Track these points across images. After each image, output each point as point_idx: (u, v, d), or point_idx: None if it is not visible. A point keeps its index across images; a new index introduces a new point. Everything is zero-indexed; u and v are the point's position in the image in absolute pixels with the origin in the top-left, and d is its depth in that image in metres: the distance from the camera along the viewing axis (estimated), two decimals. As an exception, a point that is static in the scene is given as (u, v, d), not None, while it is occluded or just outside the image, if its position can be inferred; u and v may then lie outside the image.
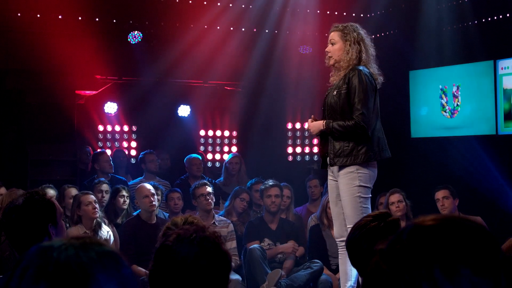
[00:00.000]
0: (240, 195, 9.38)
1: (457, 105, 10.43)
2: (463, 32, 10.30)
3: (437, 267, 1.32)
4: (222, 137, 12.77)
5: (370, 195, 6.19)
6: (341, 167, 6.13)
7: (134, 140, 12.22)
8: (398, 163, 10.45)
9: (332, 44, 6.29)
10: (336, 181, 6.26)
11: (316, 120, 6.34)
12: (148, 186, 8.62)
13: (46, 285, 1.43)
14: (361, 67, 6.13)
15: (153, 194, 8.41)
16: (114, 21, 10.93)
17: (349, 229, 4.68)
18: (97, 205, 7.91)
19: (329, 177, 6.36)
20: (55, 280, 1.43)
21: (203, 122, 12.64)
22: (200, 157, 10.94)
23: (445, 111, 10.59)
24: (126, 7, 10.82)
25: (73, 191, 8.64)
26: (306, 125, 6.60)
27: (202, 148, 12.62)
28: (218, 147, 12.79)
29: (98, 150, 11.12)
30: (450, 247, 1.35)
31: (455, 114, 10.44)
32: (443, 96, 10.62)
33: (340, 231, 6.15)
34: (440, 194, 8.49)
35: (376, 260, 1.41)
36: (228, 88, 12.40)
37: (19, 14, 10.19)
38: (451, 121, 10.48)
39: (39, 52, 9.99)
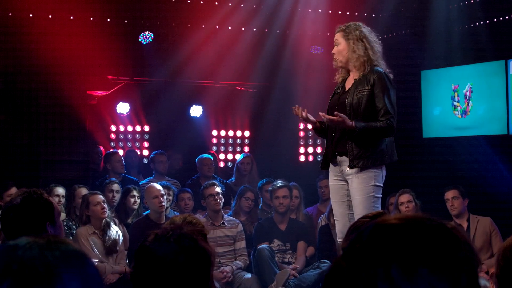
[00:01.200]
0: (244, 194, 9.40)
1: (469, 105, 10.38)
2: (474, 32, 10.25)
3: (394, 266, 1.32)
4: (234, 137, 12.79)
5: (381, 195, 6.18)
6: (358, 169, 6.09)
7: (146, 140, 12.25)
8: (409, 163, 10.45)
9: (336, 45, 6.27)
10: (343, 181, 6.24)
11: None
12: (158, 186, 8.62)
13: (10, 284, 1.44)
14: (381, 69, 6.11)
15: (162, 195, 8.42)
16: (126, 21, 10.97)
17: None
18: (105, 205, 7.95)
19: (334, 178, 6.32)
20: (20, 279, 1.44)
21: (215, 122, 12.66)
22: (211, 157, 10.96)
23: (456, 111, 10.54)
24: (137, 8, 10.85)
25: (84, 191, 8.68)
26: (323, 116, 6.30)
27: (214, 148, 12.63)
28: (230, 147, 12.80)
29: (110, 150, 11.16)
30: (408, 246, 1.34)
31: (467, 114, 10.39)
32: (455, 96, 10.58)
33: (343, 231, 6.11)
34: (449, 195, 8.45)
35: (337, 258, 1.41)
36: (240, 89, 12.42)
37: (30, 15, 10.25)
38: (463, 121, 10.43)
39: (50, 52, 10.02)
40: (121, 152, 11.21)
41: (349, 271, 1.36)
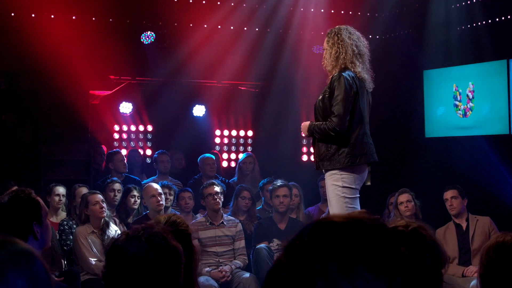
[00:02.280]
0: (240, 194, 9.42)
1: (471, 104, 10.35)
2: (476, 32, 10.23)
3: (332, 264, 1.32)
4: (237, 136, 12.79)
5: (358, 195, 6.32)
6: (326, 170, 6.28)
7: (150, 140, 12.27)
8: (411, 163, 10.45)
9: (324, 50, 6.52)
10: None
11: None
12: (155, 185, 8.65)
13: None
14: (345, 73, 6.24)
15: (160, 194, 8.45)
16: (128, 21, 10.99)
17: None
18: (104, 205, 7.96)
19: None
20: None
21: (218, 122, 12.66)
22: (213, 157, 10.96)
23: (458, 111, 10.51)
24: (139, 8, 10.87)
25: (84, 191, 8.70)
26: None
27: (217, 148, 12.64)
28: (233, 146, 12.81)
29: (113, 150, 11.17)
30: (347, 244, 1.35)
31: (469, 114, 10.36)
32: (457, 95, 10.55)
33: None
34: (448, 194, 8.45)
35: (280, 255, 1.42)
36: (242, 88, 12.42)
37: (33, 15, 10.29)
38: (465, 121, 10.40)
39: (53, 52, 10.05)
40: (124, 152, 11.23)
41: (289, 267, 1.36)
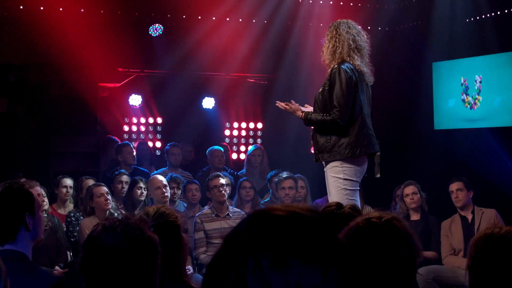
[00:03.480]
0: (241, 185, 9.44)
1: (479, 97, 10.29)
2: (484, 24, 10.17)
3: (264, 257, 1.31)
4: (247, 129, 12.80)
5: (358, 188, 6.31)
6: (326, 162, 6.26)
7: (159, 132, 12.30)
8: (419, 155, 10.42)
9: None
10: None
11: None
12: (160, 177, 8.67)
13: None
14: (344, 65, 6.26)
15: (165, 186, 8.47)
16: (136, 14, 11.02)
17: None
18: (109, 197, 7.98)
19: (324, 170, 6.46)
20: None
21: (227, 114, 12.67)
22: (222, 149, 10.97)
23: (467, 103, 10.46)
24: (147, 0, 10.91)
25: (91, 183, 8.72)
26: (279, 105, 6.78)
27: (227, 140, 12.65)
28: (242, 139, 12.82)
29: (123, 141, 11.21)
30: (279, 238, 1.33)
31: (477, 106, 10.31)
32: (466, 87, 10.49)
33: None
34: (454, 187, 8.43)
35: (220, 245, 1.41)
36: (251, 80, 12.41)
37: (41, 8, 10.33)
38: (473, 113, 10.34)
39: (61, 45, 10.10)
40: (133, 144, 11.27)
41: (224, 259, 1.36)
